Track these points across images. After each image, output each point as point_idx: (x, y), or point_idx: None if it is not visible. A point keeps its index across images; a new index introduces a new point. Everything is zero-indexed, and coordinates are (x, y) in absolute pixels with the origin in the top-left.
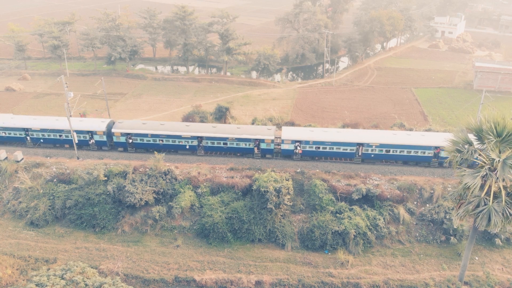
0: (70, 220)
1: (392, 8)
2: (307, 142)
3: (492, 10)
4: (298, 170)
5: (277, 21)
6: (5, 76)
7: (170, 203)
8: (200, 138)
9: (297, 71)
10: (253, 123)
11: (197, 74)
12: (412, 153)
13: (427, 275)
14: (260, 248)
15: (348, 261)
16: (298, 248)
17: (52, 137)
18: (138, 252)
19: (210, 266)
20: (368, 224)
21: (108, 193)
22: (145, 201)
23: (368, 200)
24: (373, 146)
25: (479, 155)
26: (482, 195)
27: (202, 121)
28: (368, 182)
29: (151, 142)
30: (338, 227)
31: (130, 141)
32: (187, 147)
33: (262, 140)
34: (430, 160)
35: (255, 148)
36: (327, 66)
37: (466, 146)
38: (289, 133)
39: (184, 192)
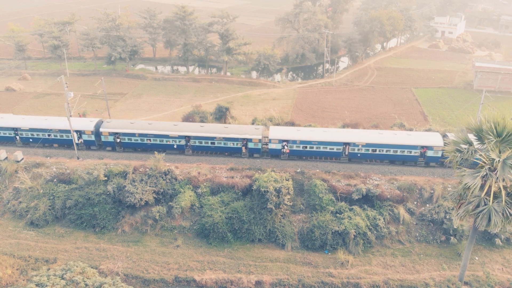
0: (70, 220)
1: (392, 8)
2: (294, 142)
3: (492, 10)
4: (298, 170)
5: (277, 21)
6: (5, 76)
7: (170, 203)
8: (187, 138)
9: (297, 71)
10: (253, 123)
11: (197, 74)
12: (399, 153)
13: (427, 275)
14: (260, 248)
15: (348, 261)
16: (298, 248)
17: (41, 136)
18: (138, 252)
19: (210, 266)
20: (368, 224)
21: (108, 193)
22: (145, 201)
23: (368, 200)
24: (360, 146)
25: (480, 155)
26: (482, 195)
27: (202, 121)
28: (368, 182)
29: (139, 141)
30: (338, 227)
31: (118, 140)
32: (175, 146)
33: (250, 140)
34: (416, 159)
35: (243, 148)
36: (327, 66)
37: (466, 146)
38: (276, 133)
39: (184, 192)
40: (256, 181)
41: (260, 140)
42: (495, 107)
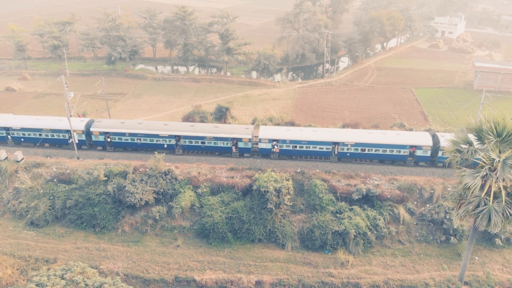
0: (70, 220)
1: (392, 8)
2: (284, 141)
3: (492, 10)
4: (298, 170)
5: (277, 21)
6: (5, 76)
7: (170, 203)
8: (178, 137)
9: (297, 71)
10: (253, 123)
11: (197, 74)
12: (388, 152)
13: (427, 275)
14: (260, 248)
15: (348, 261)
16: (298, 248)
17: (32, 136)
18: (138, 252)
19: (210, 266)
20: (368, 224)
21: (108, 193)
22: (145, 201)
23: (368, 200)
24: (349, 145)
25: (480, 155)
26: (482, 195)
27: (202, 121)
28: (368, 182)
29: (129, 141)
30: (338, 227)
31: (109, 140)
32: (165, 146)
33: (240, 139)
34: (405, 159)
35: (233, 147)
36: (327, 66)
37: (466, 146)
38: (266, 132)
39: (184, 192)
40: (256, 181)
41: (250, 140)
42: (495, 107)
